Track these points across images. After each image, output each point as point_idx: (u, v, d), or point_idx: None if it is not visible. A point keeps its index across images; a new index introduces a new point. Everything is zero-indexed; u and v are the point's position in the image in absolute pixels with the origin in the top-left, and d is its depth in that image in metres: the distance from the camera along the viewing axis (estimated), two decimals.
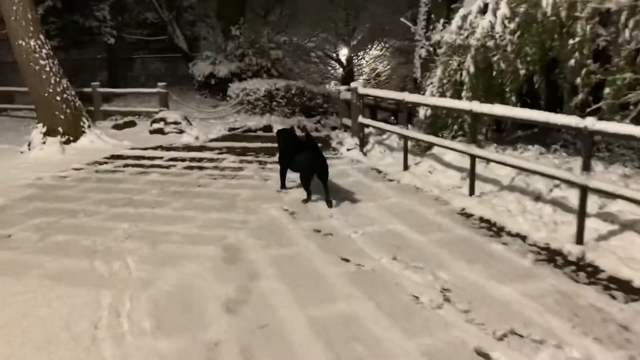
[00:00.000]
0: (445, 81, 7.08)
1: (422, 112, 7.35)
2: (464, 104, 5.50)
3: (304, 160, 5.98)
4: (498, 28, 6.19)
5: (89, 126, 10.13)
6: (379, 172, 7.31)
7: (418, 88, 10.99)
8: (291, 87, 14.66)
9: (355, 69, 35.15)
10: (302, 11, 28.08)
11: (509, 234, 4.76)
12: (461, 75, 6.92)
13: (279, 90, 14.30)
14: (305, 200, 5.97)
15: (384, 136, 8.89)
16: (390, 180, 6.81)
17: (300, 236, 4.91)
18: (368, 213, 5.48)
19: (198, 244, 4.78)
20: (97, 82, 14.42)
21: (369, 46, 32.31)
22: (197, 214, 5.66)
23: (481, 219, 5.15)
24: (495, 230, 4.88)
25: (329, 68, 35.30)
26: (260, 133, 11.88)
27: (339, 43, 32.02)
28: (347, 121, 9.56)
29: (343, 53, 32.56)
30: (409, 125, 7.02)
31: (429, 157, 7.07)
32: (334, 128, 16.28)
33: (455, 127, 7.14)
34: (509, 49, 6.03)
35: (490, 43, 6.30)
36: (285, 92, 14.40)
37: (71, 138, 9.74)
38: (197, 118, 13.44)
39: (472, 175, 5.55)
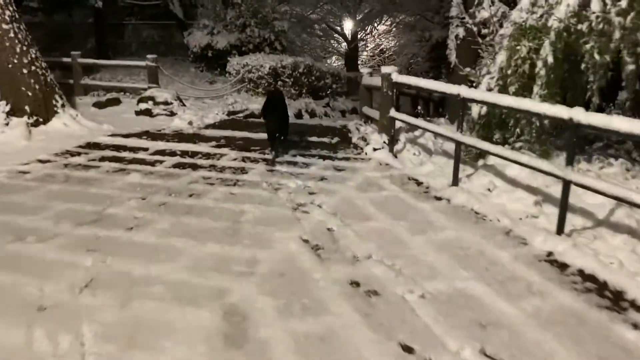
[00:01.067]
0: (509, 72, 5.55)
1: (475, 111, 5.84)
2: (559, 111, 4.00)
3: (267, 120, 6.96)
4: (595, 6, 4.65)
5: (62, 105, 8.53)
6: (419, 183, 5.82)
7: (452, 73, 9.45)
8: (299, 64, 13.04)
9: (360, 45, 33.41)
10: None
11: (635, 306, 3.32)
12: (532, 65, 5.39)
13: (285, 68, 12.69)
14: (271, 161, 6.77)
15: (417, 132, 7.38)
16: (438, 198, 5.32)
17: (333, 294, 3.45)
18: (421, 255, 4.02)
19: (188, 303, 3.32)
20: (79, 51, 12.75)
21: (377, 20, 30.45)
22: (188, 244, 4.19)
23: (582, 274, 3.70)
24: (611, 297, 3.43)
25: (332, 42, 33.47)
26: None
27: (345, 16, 30.20)
28: (371, 112, 8.06)
29: (348, 27, 30.74)
30: (461, 126, 5.50)
31: (486, 169, 5.59)
32: (343, 112, 14.76)
33: (518, 130, 5.65)
34: (617, 34, 4.50)
35: (583, 26, 4.77)
36: (292, 70, 12.80)
37: (40, 119, 8.16)
38: (191, 97, 11.86)
39: (564, 209, 4.08)
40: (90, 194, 5.42)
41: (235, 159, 6.85)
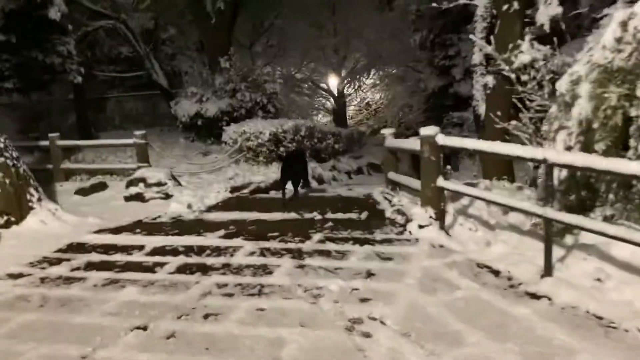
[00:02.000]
0: (595, 125, 4.45)
1: (554, 175, 4.70)
2: None
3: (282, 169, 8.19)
4: None
5: (39, 199, 7.28)
6: (496, 273, 4.57)
7: (482, 127, 8.42)
8: (300, 128, 12.03)
9: (347, 100, 33.12)
10: (289, 40, 25.97)
11: None
12: (624, 115, 4.31)
13: (287, 132, 11.64)
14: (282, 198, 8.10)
15: (464, 200, 6.23)
16: (533, 295, 4.07)
17: None
18: None
19: None
20: (59, 129, 11.68)
21: (365, 74, 30.11)
22: None
23: None
24: None
25: (320, 99, 33.01)
26: (274, 194, 9.11)
27: (329, 72, 29.88)
28: (404, 179, 6.96)
29: (333, 83, 30.40)
30: (551, 199, 4.33)
31: (583, 250, 4.39)
32: (348, 173, 13.68)
33: (611, 195, 4.50)
34: None
35: None
36: (294, 135, 11.75)
37: (12, 219, 6.88)
38: (185, 173, 10.68)
39: None
40: (74, 325, 4.10)
41: (252, 253, 5.58)
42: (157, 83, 19.27)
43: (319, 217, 6.83)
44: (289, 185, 8.14)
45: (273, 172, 10.49)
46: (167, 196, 8.53)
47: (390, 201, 6.98)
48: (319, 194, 9.08)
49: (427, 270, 4.73)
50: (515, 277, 4.41)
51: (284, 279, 4.78)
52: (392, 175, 7.48)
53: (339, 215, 6.89)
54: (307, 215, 6.99)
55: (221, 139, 13.04)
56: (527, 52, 6.50)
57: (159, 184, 8.75)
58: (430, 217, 5.76)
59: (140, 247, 6.05)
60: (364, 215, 6.82)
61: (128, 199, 8.59)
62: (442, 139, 5.38)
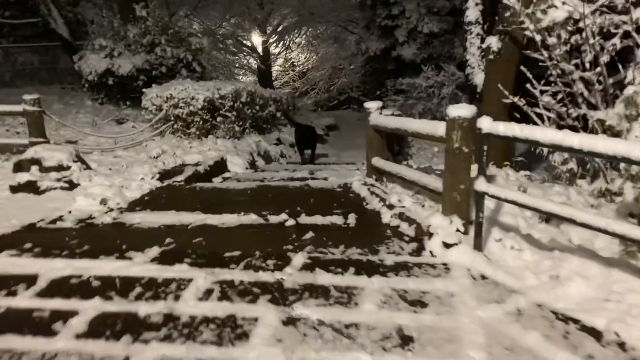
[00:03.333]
0: None
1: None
2: None
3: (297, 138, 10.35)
4: None
5: None
6: (596, 335, 3.02)
7: (479, 100, 6.89)
8: (240, 93, 9.96)
9: (273, 61, 31.05)
10: None
11: None
12: None
13: (225, 98, 9.54)
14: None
15: (489, 202, 4.68)
16: None
17: None
18: None
19: None
20: None
21: (295, 32, 28.04)
22: None
23: None
24: None
25: (245, 57, 30.51)
26: (220, 184, 7.07)
27: (254, 29, 27.54)
28: (398, 169, 5.30)
29: (257, 41, 28.14)
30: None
31: None
32: (293, 146, 11.91)
33: None
34: None
35: None
36: (233, 101, 9.67)
37: None
38: (95, 149, 8.39)
39: None
40: None
41: (208, 294, 3.70)
42: (57, 33, 16.25)
43: (291, 221, 5.01)
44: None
45: (209, 148, 8.47)
46: (72, 185, 6.34)
47: (383, 199, 5.29)
48: (279, 183, 7.18)
49: (491, 330, 3.12)
50: (631, 343, 2.91)
51: (270, 351, 3.00)
52: (379, 162, 5.76)
53: (318, 220, 5.09)
54: (274, 219, 5.16)
55: (137, 102, 10.75)
56: (561, 6, 4.96)
57: (60, 167, 6.51)
58: (458, 230, 4.16)
59: (31, 280, 3.98)
60: (351, 219, 5.06)
61: (15, 189, 6.29)
62: (489, 125, 3.69)
